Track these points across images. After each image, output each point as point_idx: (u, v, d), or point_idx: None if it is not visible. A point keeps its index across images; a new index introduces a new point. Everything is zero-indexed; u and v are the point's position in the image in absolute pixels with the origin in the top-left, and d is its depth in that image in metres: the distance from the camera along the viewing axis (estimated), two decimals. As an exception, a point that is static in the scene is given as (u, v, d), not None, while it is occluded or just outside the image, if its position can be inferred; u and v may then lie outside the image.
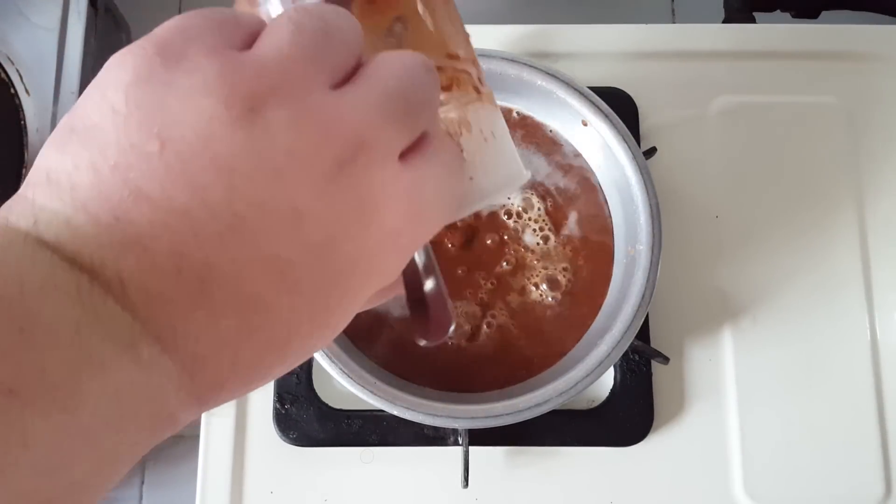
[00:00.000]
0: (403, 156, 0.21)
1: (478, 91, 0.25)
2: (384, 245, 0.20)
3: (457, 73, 0.25)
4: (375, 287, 0.21)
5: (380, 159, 0.19)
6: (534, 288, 0.50)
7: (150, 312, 0.17)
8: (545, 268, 0.50)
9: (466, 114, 0.25)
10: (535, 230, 0.51)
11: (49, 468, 0.15)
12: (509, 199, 0.51)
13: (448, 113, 0.24)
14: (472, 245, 0.51)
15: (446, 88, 0.25)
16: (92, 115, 0.18)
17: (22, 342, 0.15)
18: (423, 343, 0.25)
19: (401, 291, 0.25)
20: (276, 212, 0.18)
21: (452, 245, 0.51)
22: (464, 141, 0.25)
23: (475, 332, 0.50)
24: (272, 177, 0.18)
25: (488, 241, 0.51)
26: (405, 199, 0.20)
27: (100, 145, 0.17)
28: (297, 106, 0.18)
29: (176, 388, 0.17)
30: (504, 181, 0.26)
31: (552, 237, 0.51)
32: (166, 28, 0.19)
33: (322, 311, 0.20)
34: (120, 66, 0.18)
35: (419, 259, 0.25)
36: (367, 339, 0.49)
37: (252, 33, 0.20)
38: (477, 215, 0.51)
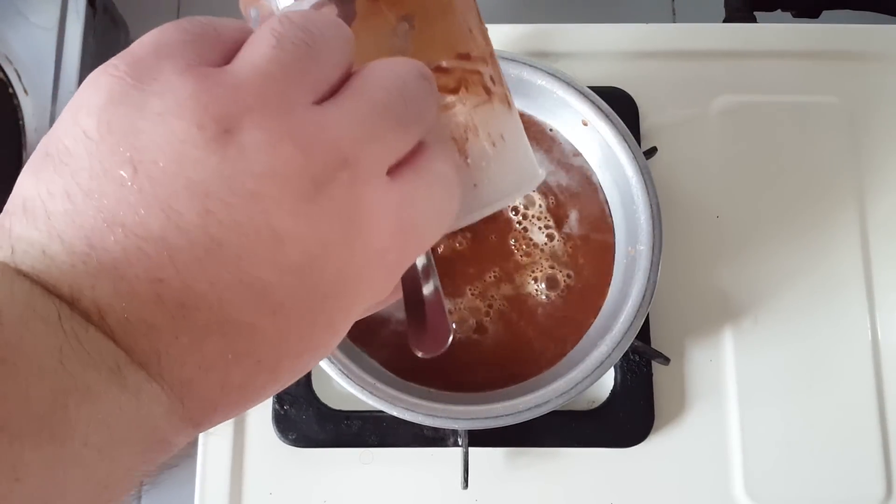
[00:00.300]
0: (394, 169, 0.20)
1: (488, 92, 0.24)
2: (371, 263, 0.19)
3: (466, 73, 0.24)
4: (367, 303, 0.21)
5: (365, 176, 0.19)
6: (533, 283, 0.50)
7: (132, 339, 0.17)
8: (552, 267, 0.50)
9: (474, 117, 0.23)
10: (540, 228, 0.51)
11: (43, 500, 0.15)
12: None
13: (454, 117, 0.23)
14: (474, 239, 0.51)
15: (454, 91, 0.23)
16: (65, 139, 0.18)
17: (4, 373, 0.15)
18: (420, 354, 0.25)
19: (399, 296, 0.25)
20: (254, 234, 0.17)
21: (454, 240, 0.50)
22: (470, 147, 0.23)
23: (479, 326, 0.49)
24: (248, 199, 0.17)
25: (492, 237, 0.50)
26: (393, 216, 0.19)
27: (73, 172, 0.17)
28: (274, 125, 0.18)
29: (166, 412, 0.17)
30: (512, 187, 0.24)
31: (556, 234, 0.51)
32: (141, 44, 0.18)
33: (310, 331, 0.19)
34: (93, 88, 0.18)
35: (418, 262, 0.24)
36: (368, 340, 0.49)
37: (233, 46, 0.19)
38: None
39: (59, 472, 0.15)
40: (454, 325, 0.49)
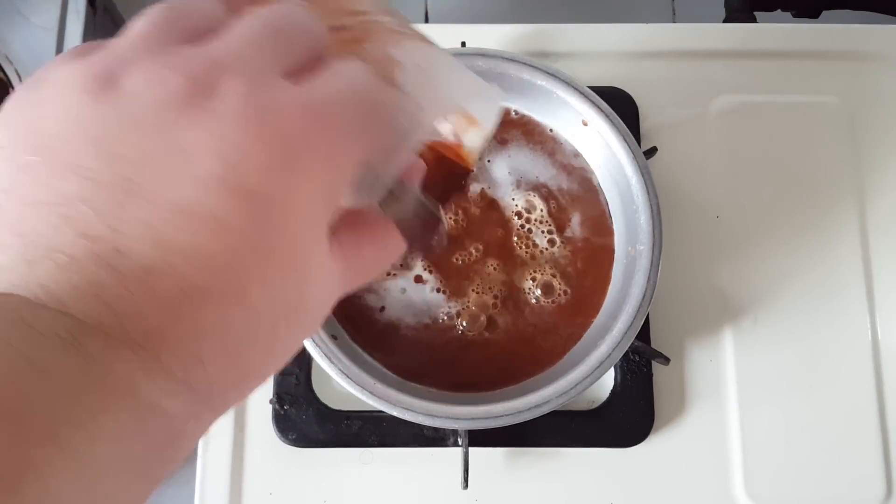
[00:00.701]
0: (295, 78, 0.20)
1: (399, 34, 0.24)
2: (301, 156, 0.19)
3: (367, 24, 0.24)
4: (326, 205, 0.20)
5: (256, 79, 0.19)
6: (532, 286, 0.50)
7: (85, 306, 0.16)
8: (552, 270, 0.50)
9: (394, 53, 0.24)
10: (543, 232, 0.51)
11: (11, 482, 0.14)
12: (513, 199, 0.51)
13: (375, 60, 0.23)
14: (477, 239, 0.51)
15: (362, 40, 0.24)
16: None
17: None
18: (423, 254, 0.25)
19: (402, 249, 0.25)
20: (164, 159, 0.18)
21: (465, 251, 0.50)
22: (398, 77, 0.23)
23: (490, 321, 0.49)
24: (146, 130, 0.18)
25: (498, 234, 0.50)
26: (298, 107, 0.19)
27: None
28: (152, 64, 0.19)
29: (147, 377, 0.17)
30: (462, 96, 0.25)
31: (557, 238, 0.51)
32: (36, 72, 0.20)
33: (268, 246, 0.19)
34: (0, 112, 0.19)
35: (401, 205, 0.24)
36: (371, 342, 0.49)
37: None
38: (484, 213, 0.51)
39: (28, 451, 0.15)
40: (465, 324, 0.49)
